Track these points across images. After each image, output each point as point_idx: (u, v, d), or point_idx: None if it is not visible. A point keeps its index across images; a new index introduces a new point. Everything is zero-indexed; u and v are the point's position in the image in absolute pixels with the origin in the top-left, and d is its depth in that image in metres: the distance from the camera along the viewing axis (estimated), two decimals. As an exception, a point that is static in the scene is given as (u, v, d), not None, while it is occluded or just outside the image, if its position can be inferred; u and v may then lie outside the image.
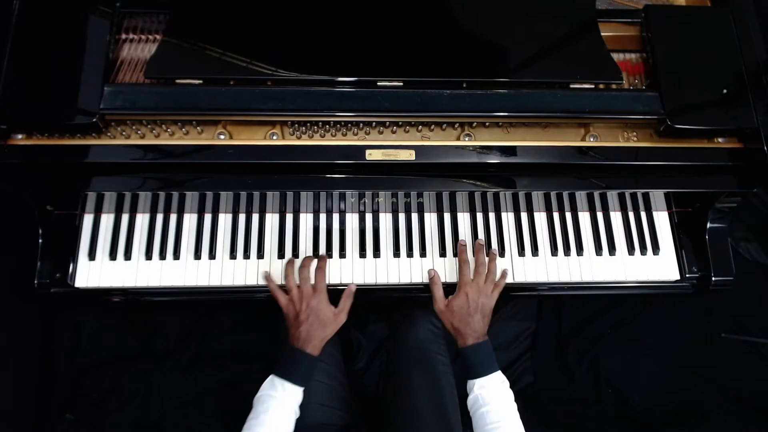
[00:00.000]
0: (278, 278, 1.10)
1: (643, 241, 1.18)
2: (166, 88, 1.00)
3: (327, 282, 1.07)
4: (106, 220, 1.13)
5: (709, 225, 1.16)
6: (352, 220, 1.16)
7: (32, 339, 1.48)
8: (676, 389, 1.62)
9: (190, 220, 1.14)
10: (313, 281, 1.06)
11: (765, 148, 1.02)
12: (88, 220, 1.12)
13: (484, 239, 1.15)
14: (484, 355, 1.00)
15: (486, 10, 1.07)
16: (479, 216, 1.18)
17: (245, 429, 0.90)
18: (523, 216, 1.18)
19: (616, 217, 1.20)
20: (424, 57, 1.03)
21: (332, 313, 1.03)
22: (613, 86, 1.05)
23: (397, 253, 1.14)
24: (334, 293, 1.08)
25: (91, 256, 1.10)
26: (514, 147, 1.04)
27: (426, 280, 1.11)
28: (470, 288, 1.05)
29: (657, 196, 1.20)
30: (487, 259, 1.11)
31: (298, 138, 1.05)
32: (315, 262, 1.09)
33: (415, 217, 1.17)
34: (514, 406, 0.95)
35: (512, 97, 1.02)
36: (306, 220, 1.16)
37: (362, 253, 1.14)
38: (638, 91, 1.07)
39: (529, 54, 1.04)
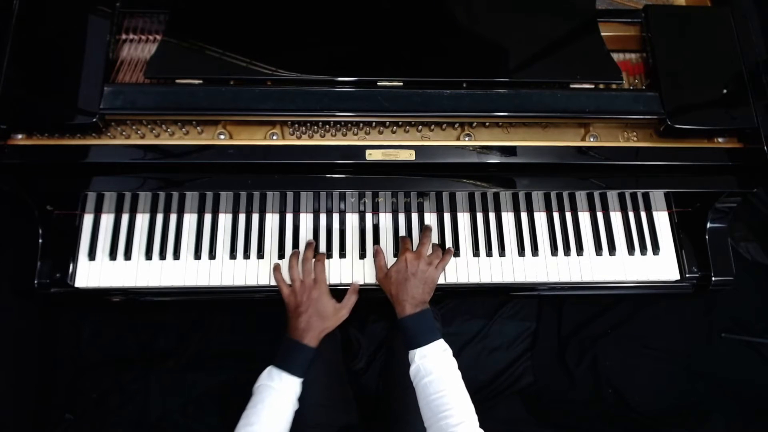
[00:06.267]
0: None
1: (643, 241, 1.18)
2: (166, 88, 1.00)
3: (327, 281, 1.08)
4: (106, 220, 1.13)
5: (709, 225, 1.16)
6: (352, 220, 1.16)
7: (32, 339, 1.48)
8: (675, 389, 1.62)
9: (190, 220, 1.14)
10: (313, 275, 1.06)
11: (765, 148, 1.02)
12: (88, 220, 1.12)
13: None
14: (424, 322, 0.98)
15: (486, 9, 1.07)
16: (479, 216, 1.18)
17: (243, 418, 0.91)
18: (523, 216, 1.18)
19: (616, 217, 1.20)
20: (424, 57, 1.03)
21: (333, 306, 1.04)
22: (613, 86, 1.05)
23: (396, 253, 1.14)
24: (335, 293, 1.08)
25: (91, 256, 1.10)
26: (514, 147, 1.04)
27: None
28: (409, 254, 1.04)
29: (657, 196, 1.20)
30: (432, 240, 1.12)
31: (298, 138, 1.05)
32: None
33: (415, 217, 1.17)
34: (458, 373, 0.93)
35: (512, 97, 1.02)
36: (306, 220, 1.16)
37: (362, 254, 1.14)
38: (638, 91, 1.07)
39: (529, 54, 1.04)
